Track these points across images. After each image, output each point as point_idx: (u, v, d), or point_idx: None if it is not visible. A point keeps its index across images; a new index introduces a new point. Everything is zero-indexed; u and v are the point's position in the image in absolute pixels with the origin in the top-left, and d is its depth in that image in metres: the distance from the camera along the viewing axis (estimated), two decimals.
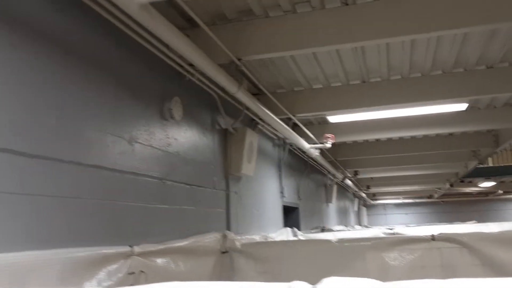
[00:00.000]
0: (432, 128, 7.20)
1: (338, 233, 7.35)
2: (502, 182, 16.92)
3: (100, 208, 2.55)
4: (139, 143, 2.98)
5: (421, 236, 3.76)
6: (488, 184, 16.70)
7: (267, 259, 3.97)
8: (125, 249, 2.61)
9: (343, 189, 14.00)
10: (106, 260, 2.44)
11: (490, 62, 4.88)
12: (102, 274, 2.39)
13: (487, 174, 14.67)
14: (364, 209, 23.19)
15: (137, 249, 2.72)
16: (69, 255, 2.15)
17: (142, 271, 2.78)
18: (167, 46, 3.01)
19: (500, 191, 19.89)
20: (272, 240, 5.09)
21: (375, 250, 3.78)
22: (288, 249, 4.00)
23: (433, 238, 3.72)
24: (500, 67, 4.98)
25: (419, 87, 5.30)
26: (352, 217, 17.47)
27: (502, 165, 15.14)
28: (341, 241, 3.87)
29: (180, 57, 3.17)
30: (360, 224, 19.09)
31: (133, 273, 2.67)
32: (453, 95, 5.26)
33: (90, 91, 2.54)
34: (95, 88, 2.58)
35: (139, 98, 3.03)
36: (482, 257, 3.58)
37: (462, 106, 5.89)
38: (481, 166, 13.01)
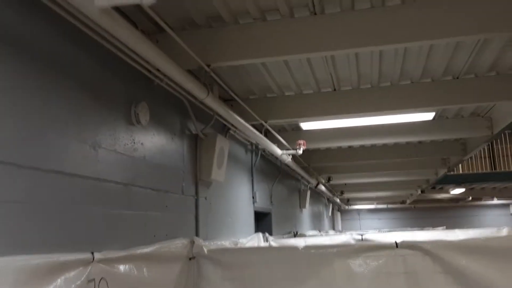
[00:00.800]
0: (402, 136, 7.33)
1: (309, 238, 7.40)
2: (471, 189, 17.34)
3: (60, 214, 2.50)
4: (103, 148, 2.94)
5: (386, 243, 3.82)
6: (458, 191, 17.07)
7: (234, 266, 3.96)
8: (85, 256, 2.56)
9: (317, 195, 14.10)
10: (64, 267, 2.39)
11: (456, 73, 5.00)
12: (59, 281, 2.35)
13: (457, 181, 15.02)
14: (338, 214, 23.39)
15: (98, 255, 2.67)
16: (23, 263, 2.10)
17: (103, 278, 2.74)
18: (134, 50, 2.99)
19: (470, 198, 20.35)
20: (242, 246, 5.09)
21: (341, 257, 3.82)
22: (255, 255, 4.00)
23: (397, 245, 3.78)
24: (466, 78, 5.11)
25: (389, 96, 5.39)
26: (326, 222, 17.60)
27: (472, 172, 15.53)
28: (308, 248, 3.90)
29: (148, 61, 3.14)
30: (334, 229, 19.26)
31: (93, 280, 2.63)
32: (421, 104, 5.37)
33: (51, 94, 2.50)
34: (56, 91, 2.54)
35: (104, 102, 2.99)
36: (445, 265, 3.65)
37: (429, 116, 6.02)
38: (451, 173, 13.32)
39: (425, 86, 5.25)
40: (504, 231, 5.87)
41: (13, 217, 2.17)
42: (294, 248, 3.90)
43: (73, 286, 2.44)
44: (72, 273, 2.45)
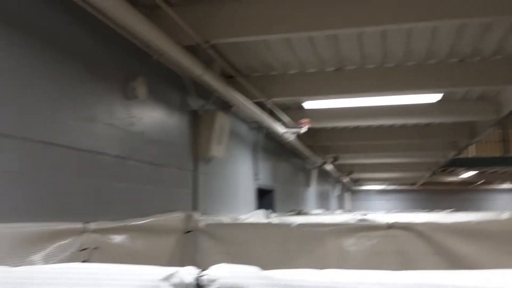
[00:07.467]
0: (409, 117, 7.28)
1: (311, 216, 7.45)
2: (482, 172, 17.19)
3: (55, 185, 2.58)
4: (99, 121, 3.00)
5: (378, 224, 3.86)
6: (468, 174, 16.96)
7: (230, 241, 4.04)
8: (78, 225, 2.64)
9: (324, 174, 14.12)
10: (57, 235, 2.47)
11: (461, 55, 4.93)
12: (51, 249, 2.43)
13: (467, 164, 14.91)
14: (347, 194, 23.44)
15: (92, 225, 2.74)
16: (16, 230, 2.18)
17: (96, 248, 2.82)
18: None
19: (480, 182, 20.20)
20: (240, 221, 5.16)
21: (334, 235, 3.87)
22: (250, 231, 4.07)
23: (390, 226, 3.82)
24: (472, 61, 5.04)
25: (394, 77, 5.34)
26: (334, 202, 17.67)
27: (483, 156, 15.39)
28: (301, 225, 3.95)
29: (144, 37, 3.16)
30: (342, 209, 19.33)
31: (86, 249, 2.71)
32: (426, 86, 5.32)
33: (47, 67, 2.54)
34: (53, 64, 2.59)
35: (100, 76, 3.03)
36: (436, 246, 3.69)
37: (436, 97, 5.97)
38: (461, 156, 13.20)
39: (430, 68, 5.19)
40: (504, 215, 5.85)
41: (6, 186, 2.24)
42: (287, 225, 3.95)
43: (66, 254, 2.53)
44: (65, 242, 2.53)
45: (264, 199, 7.70)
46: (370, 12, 3.54)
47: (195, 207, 4.44)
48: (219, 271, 1.01)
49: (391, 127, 8.97)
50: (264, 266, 1.12)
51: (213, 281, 0.99)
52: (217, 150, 4.66)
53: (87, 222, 2.71)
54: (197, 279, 1.00)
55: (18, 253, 2.15)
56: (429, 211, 11.71)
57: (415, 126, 8.80)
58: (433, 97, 5.98)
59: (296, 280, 0.96)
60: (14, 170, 2.30)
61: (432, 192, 23.80)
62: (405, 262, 3.75)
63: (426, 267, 3.76)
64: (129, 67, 3.37)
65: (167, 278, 1.00)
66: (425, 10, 3.47)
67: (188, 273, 1.01)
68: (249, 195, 6.38)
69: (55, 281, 0.99)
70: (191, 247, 4.08)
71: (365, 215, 7.35)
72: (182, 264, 3.68)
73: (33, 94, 2.45)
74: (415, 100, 6.12)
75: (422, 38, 4.46)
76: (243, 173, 6.14)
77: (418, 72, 5.26)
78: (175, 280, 1.00)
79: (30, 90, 2.43)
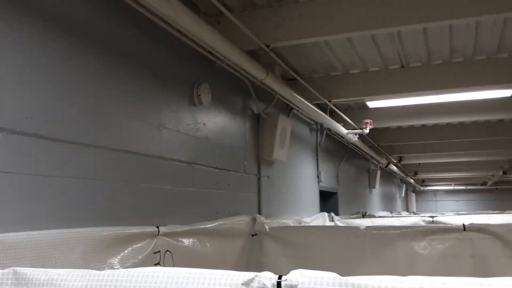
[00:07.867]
0: (479, 114, 6.93)
1: (377, 219, 7.27)
2: None
3: (127, 190, 2.69)
4: (167, 128, 3.09)
5: (452, 226, 3.70)
6: None
7: (295, 243, 4.03)
8: (151, 229, 2.74)
9: (388, 175, 13.75)
10: (131, 239, 2.57)
11: None
12: (126, 252, 2.54)
13: None
14: (413, 195, 22.66)
15: (163, 229, 2.84)
16: (93, 234, 2.29)
17: (167, 251, 2.91)
18: None
19: None
20: (305, 224, 5.14)
21: (404, 238, 3.75)
22: (316, 234, 4.04)
23: (464, 228, 3.65)
24: None
25: (462, 72, 5.11)
26: (399, 203, 17.14)
27: None
28: (370, 228, 3.86)
29: (207, 44, 3.23)
30: (408, 211, 18.70)
31: (158, 252, 2.81)
32: (497, 81, 5.05)
33: (118, 78, 2.66)
34: (123, 75, 2.70)
35: (167, 85, 3.13)
36: None
37: (508, 92, 5.64)
38: None
39: (502, 62, 4.91)
40: None
41: (83, 192, 2.37)
42: (355, 228, 3.88)
43: (139, 257, 2.62)
44: (138, 245, 2.63)
45: (327, 201, 7.61)
46: (434, 6, 3.40)
47: (259, 210, 4.47)
48: (299, 277, 1.00)
49: (459, 124, 8.58)
50: (332, 270, 1.10)
51: (293, 286, 0.98)
52: (279, 153, 4.67)
53: (159, 226, 2.80)
54: (277, 284, 0.99)
55: (99, 256, 2.26)
56: (502, 212, 11.07)
57: (486, 122, 8.37)
58: (505, 92, 5.65)
59: (381, 287, 0.93)
60: (90, 177, 2.42)
61: (505, 191, 22.45)
62: (481, 266, 3.57)
63: (504, 271, 3.55)
64: (193, 74, 3.46)
65: (247, 283, 1.01)
66: (496, 2, 3.28)
67: (268, 278, 1.01)
68: (311, 197, 6.33)
69: (139, 284, 1.02)
70: (257, 250, 4.11)
71: (434, 217, 7.06)
72: (248, 266, 3.71)
73: (109, 105, 2.57)
74: (486, 95, 5.82)
75: (491, 30, 4.24)
76: (306, 176, 6.10)
77: (488, 67, 5.00)
78: (255, 284, 1.01)
79: (107, 101, 2.55)
